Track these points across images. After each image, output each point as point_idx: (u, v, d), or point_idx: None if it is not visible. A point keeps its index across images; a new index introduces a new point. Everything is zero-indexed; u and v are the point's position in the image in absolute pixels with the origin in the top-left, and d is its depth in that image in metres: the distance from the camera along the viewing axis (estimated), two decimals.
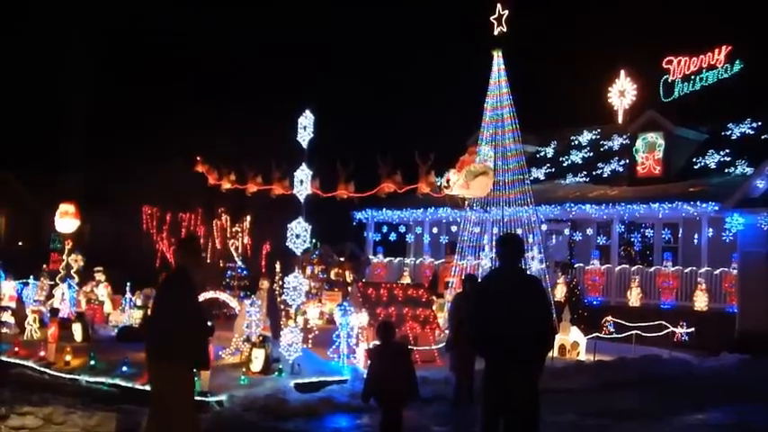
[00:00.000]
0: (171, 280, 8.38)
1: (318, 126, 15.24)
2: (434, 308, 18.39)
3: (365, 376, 9.87)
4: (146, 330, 8.38)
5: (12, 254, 30.20)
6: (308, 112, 15.06)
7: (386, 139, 38.99)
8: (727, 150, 25.63)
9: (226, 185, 20.38)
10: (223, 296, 17.73)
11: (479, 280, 13.80)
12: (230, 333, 15.44)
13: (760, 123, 25.99)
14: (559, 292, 23.33)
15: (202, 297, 16.62)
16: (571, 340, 17.98)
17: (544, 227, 24.18)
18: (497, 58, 22.70)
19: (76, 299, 18.96)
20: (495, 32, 22.60)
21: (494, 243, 7.98)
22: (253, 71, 43.64)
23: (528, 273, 10.26)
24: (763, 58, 26.65)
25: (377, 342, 10.14)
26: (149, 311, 8.53)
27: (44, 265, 20.78)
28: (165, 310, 8.08)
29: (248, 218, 23.34)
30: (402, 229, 31.11)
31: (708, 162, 25.73)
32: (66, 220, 20.33)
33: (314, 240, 17.45)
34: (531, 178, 24.84)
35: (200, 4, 50.24)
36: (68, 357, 14.34)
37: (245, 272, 21.81)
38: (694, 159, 26.16)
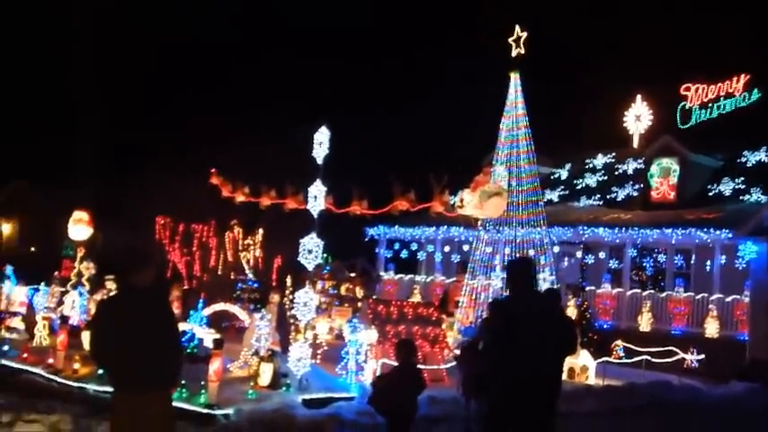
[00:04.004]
0: (146, 299, 7.07)
1: (334, 142, 15.30)
2: (444, 327, 18.34)
3: (374, 385, 9.86)
4: (116, 357, 6.84)
5: (24, 259, 30.29)
6: (324, 128, 15.10)
7: (401, 156, 39.00)
8: (742, 178, 25.55)
9: (239, 198, 20.43)
10: (233, 308, 17.71)
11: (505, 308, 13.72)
12: (239, 346, 15.43)
13: None
14: (570, 315, 23.23)
15: (213, 308, 16.67)
16: (580, 364, 17.89)
17: (556, 249, 24.12)
18: (515, 79, 22.75)
19: (87, 307, 18.98)
20: (513, 54, 22.67)
21: (505, 266, 7.74)
22: (268, 87, 43.84)
23: (558, 305, 10.13)
24: None
25: (393, 361, 10.15)
26: (117, 334, 6.74)
27: (55, 272, 20.80)
28: (152, 333, 6.84)
29: (261, 231, 23.35)
30: (414, 246, 31.07)
31: (722, 189, 25.65)
32: (80, 227, 20.40)
33: (326, 255, 17.44)
34: (545, 200, 24.82)
35: (217, 14, 50.49)
36: (77, 365, 14.34)
37: (255, 285, 21.79)
38: (709, 186, 26.08)
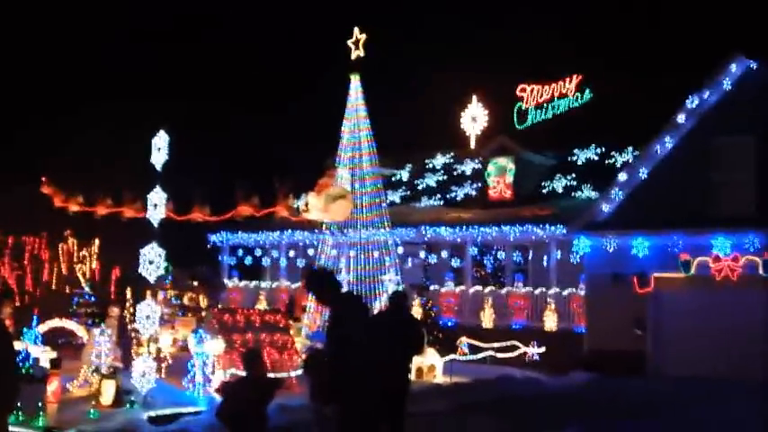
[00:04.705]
0: None
1: (173, 147, 14.86)
2: (292, 333, 18.15)
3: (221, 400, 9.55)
4: None
5: None
6: (162, 133, 14.64)
7: (242, 160, 38.41)
8: (574, 175, 26.60)
9: (73, 207, 19.56)
10: (70, 324, 16.93)
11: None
12: (78, 363, 14.76)
13: (604, 149, 27.05)
14: (415, 315, 23.49)
15: (48, 325, 15.86)
16: (428, 363, 18.10)
17: (400, 249, 24.37)
18: (355, 81, 22.80)
19: None
20: (353, 56, 22.71)
21: (306, 282, 7.76)
22: (106, 88, 42.27)
23: (404, 307, 10.18)
24: (609, 87, 27.89)
25: (241, 372, 9.88)
26: None
27: None
28: None
29: (97, 241, 22.48)
30: (258, 252, 30.70)
31: (556, 186, 26.63)
32: None
33: (167, 264, 16.92)
34: (388, 201, 25.05)
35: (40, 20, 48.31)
36: None
37: (92, 298, 20.90)
38: (543, 183, 27.02)
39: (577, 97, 27.25)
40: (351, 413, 7.29)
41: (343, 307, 7.52)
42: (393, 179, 30.91)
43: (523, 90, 28.40)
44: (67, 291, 21.99)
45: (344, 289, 8.20)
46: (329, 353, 7.49)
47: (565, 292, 23.32)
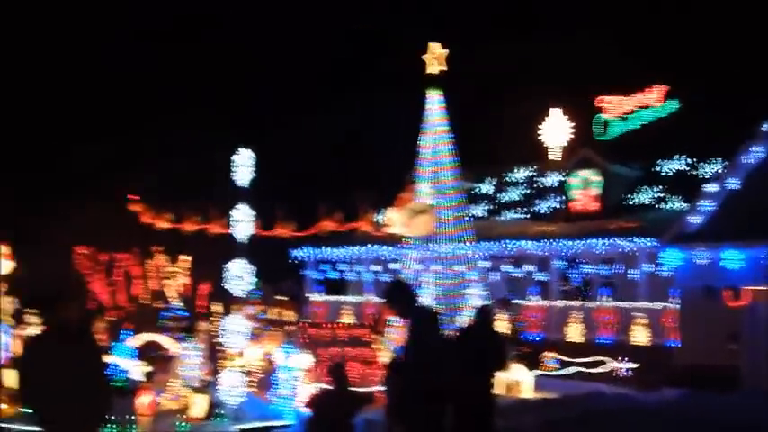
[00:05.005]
0: (75, 334, 6.82)
1: (259, 164, 15.10)
2: (377, 347, 18.17)
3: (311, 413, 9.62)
4: (46, 396, 6.62)
5: None
6: (246, 151, 14.89)
7: (326, 176, 38.75)
8: (661, 187, 26.05)
9: (161, 224, 19.95)
10: (161, 338, 17.24)
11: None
12: (167, 377, 15.02)
13: (690, 160, 26.45)
14: (501, 329, 23.31)
15: (140, 339, 16.19)
16: (515, 378, 17.91)
17: (485, 263, 24.20)
18: (435, 96, 22.78)
19: (11, 343, 18.20)
20: (433, 71, 22.71)
21: (385, 294, 7.74)
22: (185, 109, 43.07)
23: (488, 322, 10.06)
24: (697, 97, 27.33)
25: (327, 386, 9.93)
26: (47, 373, 6.48)
27: None
28: (82, 371, 6.68)
29: (187, 257, 22.86)
30: (342, 266, 30.87)
31: (642, 198, 26.11)
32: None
33: (257, 279, 17.16)
34: (470, 215, 24.92)
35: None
36: (2, 405, 13.73)
37: (183, 313, 21.26)
38: (629, 196, 26.52)
39: (663, 108, 26.75)
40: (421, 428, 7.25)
41: (420, 318, 7.50)
42: (474, 192, 30.71)
43: (606, 101, 28.02)
44: (157, 305, 22.39)
45: (422, 302, 8.15)
46: (410, 362, 7.46)
47: (655, 306, 22.73)
